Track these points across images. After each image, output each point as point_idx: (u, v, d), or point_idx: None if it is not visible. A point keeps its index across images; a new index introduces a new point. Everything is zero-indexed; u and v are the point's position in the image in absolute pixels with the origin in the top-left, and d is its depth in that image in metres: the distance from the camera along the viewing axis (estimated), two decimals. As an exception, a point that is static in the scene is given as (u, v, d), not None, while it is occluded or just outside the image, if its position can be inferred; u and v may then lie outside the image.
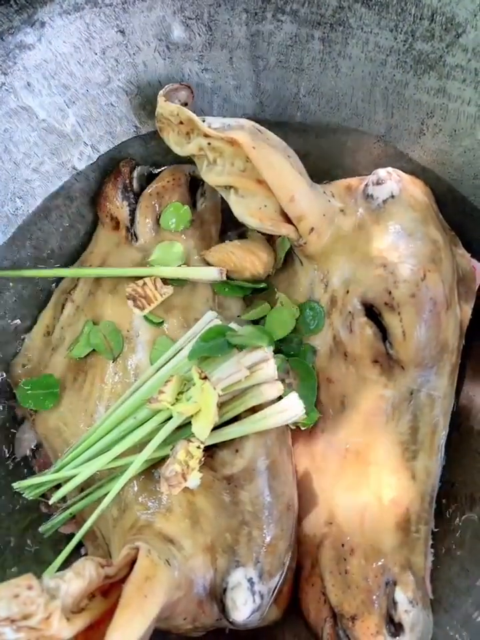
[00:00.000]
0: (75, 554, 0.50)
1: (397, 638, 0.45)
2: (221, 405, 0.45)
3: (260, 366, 0.46)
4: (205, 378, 0.45)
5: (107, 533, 0.49)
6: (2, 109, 0.50)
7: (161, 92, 0.51)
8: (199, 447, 0.43)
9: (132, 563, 0.39)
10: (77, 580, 0.35)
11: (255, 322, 0.55)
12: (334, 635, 0.48)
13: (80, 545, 0.51)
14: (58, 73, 0.52)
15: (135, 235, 0.55)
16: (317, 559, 0.49)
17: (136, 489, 0.47)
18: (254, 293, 0.57)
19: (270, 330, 0.52)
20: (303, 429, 0.51)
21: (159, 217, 0.55)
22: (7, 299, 0.56)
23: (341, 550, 0.48)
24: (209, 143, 0.49)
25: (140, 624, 0.36)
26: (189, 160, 0.53)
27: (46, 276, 0.57)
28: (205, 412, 0.43)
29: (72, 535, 0.49)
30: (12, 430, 0.56)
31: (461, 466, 0.53)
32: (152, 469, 0.47)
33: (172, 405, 0.44)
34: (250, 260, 0.54)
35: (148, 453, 0.44)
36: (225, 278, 0.52)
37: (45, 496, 0.50)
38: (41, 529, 0.51)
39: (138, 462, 0.45)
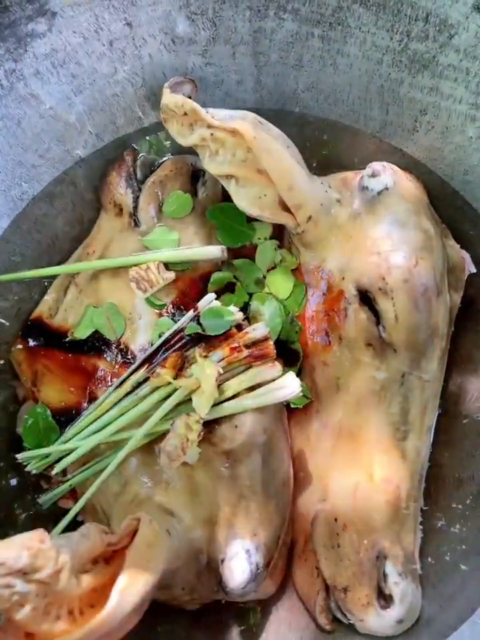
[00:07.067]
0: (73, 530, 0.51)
1: (388, 609, 0.47)
2: (221, 383, 0.47)
3: (260, 346, 0.48)
4: (206, 356, 0.47)
5: (108, 509, 0.50)
6: (12, 95, 0.52)
7: (166, 84, 0.53)
8: (198, 421, 0.45)
9: (133, 533, 0.41)
10: (83, 541, 0.37)
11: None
12: (326, 607, 0.49)
13: (78, 523, 0.52)
14: (66, 62, 0.53)
15: (137, 221, 0.56)
16: (311, 534, 0.51)
17: (136, 464, 0.48)
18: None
19: (274, 291, 0.55)
20: (293, 406, 0.53)
21: (162, 204, 0.57)
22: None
23: (334, 525, 0.50)
24: (212, 134, 0.51)
25: (142, 586, 0.37)
26: (191, 151, 0.55)
27: (46, 274, 0.57)
28: (205, 387, 0.45)
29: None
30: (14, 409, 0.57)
31: (449, 449, 0.55)
32: (152, 445, 0.49)
33: (174, 378, 0.45)
34: None
35: (149, 426, 0.46)
36: (225, 256, 0.54)
37: (47, 471, 0.52)
38: (40, 501, 0.52)
39: (139, 434, 0.46)
